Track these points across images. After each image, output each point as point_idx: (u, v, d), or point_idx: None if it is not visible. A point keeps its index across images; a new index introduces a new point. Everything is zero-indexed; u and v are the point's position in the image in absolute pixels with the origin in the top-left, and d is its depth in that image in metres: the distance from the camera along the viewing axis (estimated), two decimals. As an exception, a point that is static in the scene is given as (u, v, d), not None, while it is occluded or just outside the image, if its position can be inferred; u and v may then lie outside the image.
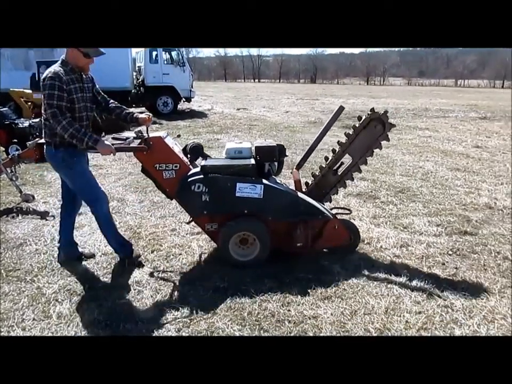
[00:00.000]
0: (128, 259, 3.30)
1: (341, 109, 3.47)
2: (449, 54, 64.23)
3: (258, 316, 2.62)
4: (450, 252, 3.53)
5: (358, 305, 2.73)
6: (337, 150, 3.46)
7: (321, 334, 2.44)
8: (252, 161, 3.19)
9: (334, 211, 3.48)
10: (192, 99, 14.53)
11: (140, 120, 3.18)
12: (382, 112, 3.38)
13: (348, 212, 3.70)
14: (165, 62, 13.73)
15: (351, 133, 3.42)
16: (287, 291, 2.88)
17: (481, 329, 2.48)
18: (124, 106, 3.32)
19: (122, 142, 3.20)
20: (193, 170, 3.17)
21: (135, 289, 2.94)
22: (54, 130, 2.91)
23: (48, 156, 3.06)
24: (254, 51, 65.25)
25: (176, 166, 3.12)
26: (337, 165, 3.49)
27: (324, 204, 3.45)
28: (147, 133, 3.15)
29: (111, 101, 3.31)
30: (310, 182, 3.58)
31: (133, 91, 13.52)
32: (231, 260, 3.18)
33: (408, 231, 3.93)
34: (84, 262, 3.35)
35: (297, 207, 3.18)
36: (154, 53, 13.62)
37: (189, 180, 3.10)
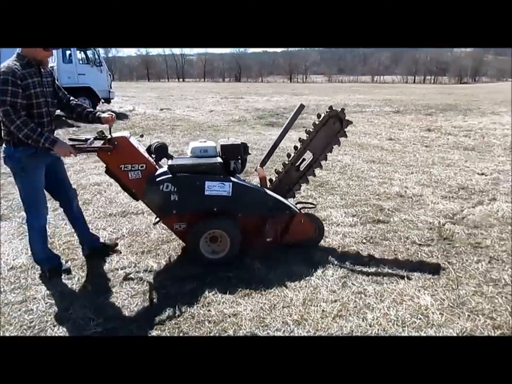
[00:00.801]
0: (51, 271, 3.12)
1: (302, 107, 3.55)
2: (366, 51, 67.77)
3: (178, 319, 2.59)
4: (364, 241, 3.71)
5: (277, 299, 2.78)
6: (298, 147, 3.55)
7: (241, 332, 2.46)
8: (219, 159, 3.21)
9: (299, 206, 3.56)
10: (111, 100, 14.00)
11: (103, 119, 3.10)
12: (340, 109, 3.50)
13: (312, 206, 3.80)
14: (80, 62, 13.07)
15: (311, 130, 3.50)
16: (208, 291, 2.87)
17: (391, 311, 2.63)
18: (86, 105, 3.22)
19: (81, 143, 3.05)
20: (161, 170, 3.15)
21: (46, 303, 2.79)
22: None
23: (5, 155, 2.87)
24: (177, 50, 64.32)
25: (142, 166, 3.08)
26: (299, 161, 3.59)
27: (288, 199, 3.51)
28: (110, 133, 3.05)
29: (72, 98, 3.18)
30: (274, 179, 3.64)
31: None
32: (201, 258, 3.18)
33: (326, 223, 4.06)
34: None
35: (266, 203, 3.25)
36: (68, 52, 12.92)
37: (157, 179, 3.07)
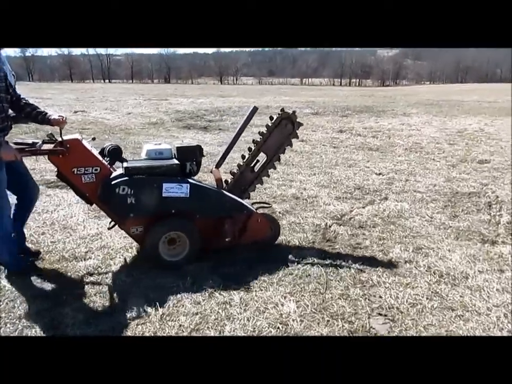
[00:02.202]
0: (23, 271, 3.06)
1: (255, 109, 3.55)
2: (295, 53, 69.33)
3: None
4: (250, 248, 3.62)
5: (133, 315, 2.60)
6: (252, 148, 3.58)
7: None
8: (175, 161, 3.18)
9: (255, 206, 3.57)
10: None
11: (53, 121, 3.02)
12: (291, 112, 3.58)
13: (267, 205, 3.86)
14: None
15: (264, 131, 3.54)
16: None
17: (250, 322, 2.54)
18: (36, 105, 3.11)
19: (27, 146, 2.91)
20: (116, 173, 3.07)
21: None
22: None
23: None
24: (102, 50, 61.81)
25: (96, 169, 3.00)
26: (254, 163, 3.62)
27: (243, 200, 3.50)
28: (60, 135, 2.94)
29: (22, 97, 3.08)
30: (229, 180, 3.63)
31: None
32: (160, 261, 3.14)
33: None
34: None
35: (223, 204, 3.28)
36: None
37: (113, 182, 2.99)
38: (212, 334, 2.43)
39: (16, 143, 2.95)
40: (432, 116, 13.66)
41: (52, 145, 2.94)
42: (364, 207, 4.75)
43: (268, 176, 3.78)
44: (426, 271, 3.20)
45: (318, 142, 9.00)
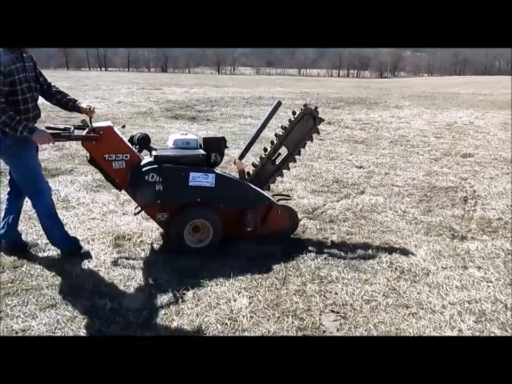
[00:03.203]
0: (73, 252, 3.18)
1: (279, 103, 3.63)
2: (293, 44, 68.34)
3: None
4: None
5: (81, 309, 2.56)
6: (274, 141, 3.65)
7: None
8: (202, 151, 3.26)
9: (275, 197, 3.64)
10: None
11: (82, 109, 3.12)
12: (313, 107, 3.67)
13: (288, 197, 3.97)
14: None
15: (287, 126, 3.63)
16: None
17: (199, 317, 2.50)
18: (66, 92, 3.21)
19: (59, 131, 2.98)
20: (145, 161, 3.15)
21: None
22: None
23: None
24: (99, 38, 60.30)
25: (126, 156, 3.08)
26: (275, 156, 3.69)
27: (264, 191, 3.54)
28: (90, 123, 3.06)
29: (53, 84, 3.17)
30: (251, 172, 3.69)
31: None
32: (185, 247, 3.21)
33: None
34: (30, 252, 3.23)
35: (247, 195, 3.35)
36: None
37: (143, 169, 3.07)
38: (159, 330, 2.39)
39: (48, 128, 2.99)
40: (424, 108, 13.56)
41: (84, 132, 3.03)
42: (338, 201, 4.70)
43: (288, 169, 3.86)
44: (388, 267, 3.16)
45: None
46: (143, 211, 3.41)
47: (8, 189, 3.22)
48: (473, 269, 3.16)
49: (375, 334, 2.39)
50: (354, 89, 24.63)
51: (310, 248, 3.47)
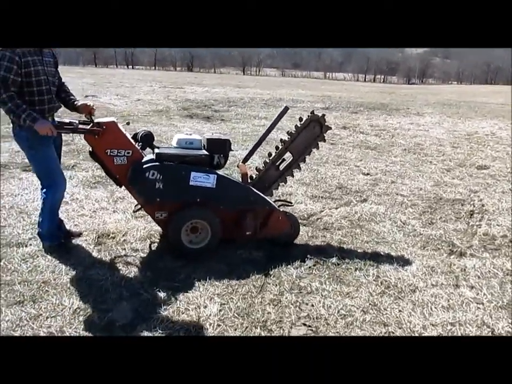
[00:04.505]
0: (51, 247, 3.18)
1: (286, 109, 3.57)
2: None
3: None
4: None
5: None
6: (280, 147, 3.59)
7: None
8: (205, 152, 3.24)
9: (277, 203, 3.59)
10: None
11: (80, 108, 3.15)
12: (321, 115, 3.62)
13: (290, 204, 3.90)
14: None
15: (293, 132, 3.56)
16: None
17: (164, 324, 2.41)
18: (70, 92, 3.28)
19: (65, 124, 3.03)
20: (147, 158, 3.14)
21: None
22: None
23: (14, 134, 2.97)
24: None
25: (128, 153, 3.06)
26: (279, 161, 3.63)
27: (266, 197, 3.48)
28: (91, 118, 3.11)
29: (64, 83, 3.25)
30: (254, 176, 3.64)
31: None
32: (182, 247, 3.16)
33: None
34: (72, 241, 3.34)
35: (247, 198, 3.30)
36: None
37: (144, 166, 3.06)
38: (119, 334, 2.31)
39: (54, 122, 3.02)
40: (445, 116, 13.19)
41: (89, 126, 3.03)
42: (336, 208, 4.55)
43: (292, 176, 3.79)
44: (373, 280, 3.01)
45: (317, 138, 8.75)
46: (143, 209, 3.38)
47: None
48: (465, 288, 2.98)
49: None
50: (378, 94, 24.25)
51: (296, 256, 3.35)
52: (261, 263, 3.18)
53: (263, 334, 2.36)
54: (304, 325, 2.47)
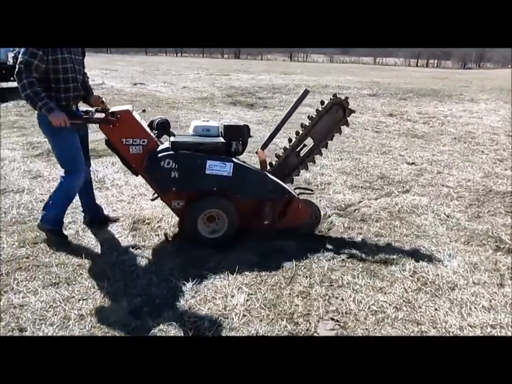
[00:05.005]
0: (51, 232, 3.16)
1: (306, 92, 3.47)
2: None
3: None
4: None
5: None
6: (300, 132, 3.48)
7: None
8: (221, 139, 3.18)
9: (297, 191, 3.49)
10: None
11: (91, 101, 3.18)
12: (344, 98, 3.46)
13: (311, 192, 3.73)
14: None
15: (314, 116, 3.44)
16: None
17: (190, 311, 2.42)
18: (88, 84, 3.28)
19: (82, 114, 3.08)
20: (163, 146, 3.12)
21: None
22: None
23: (38, 120, 2.99)
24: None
25: (144, 141, 3.06)
26: (300, 147, 3.52)
27: (286, 184, 3.40)
28: (106, 108, 3.11)
29: (86, 73, 3.26)
30: (273, 163, 3.56)
31: (8, 63, 12.39)
32: (198, 236, 3.14)
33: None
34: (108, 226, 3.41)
35: (265, 186, 3.22)
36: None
37: (159, 155, 3.03)
38: (147, 319, 2.34)
39: None
40: (502, 103, 12.42)
41: (103, 115, 3.05)
42: (376, 199, 4.39)
43: (314, 162, 3.66)
44: (410, 276, 2.88)
45: (361, 126, 8.51)
46: (159, 198, 3.37)
47: None
48: (510, 288, 2.79)
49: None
50: (429, 80, 23.22)
51: (329, 247, 3.26)
52: (292, 254, 3.11)
53: (288, 327, 2.31)
54: (332, 319, 2.40)
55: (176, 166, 3.05)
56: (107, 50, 46.53)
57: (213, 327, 2.30)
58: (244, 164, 3.27)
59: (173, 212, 3.33)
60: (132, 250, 3.10)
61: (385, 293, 2.67)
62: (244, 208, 3.21)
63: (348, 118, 3.55)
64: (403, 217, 3.92)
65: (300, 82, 17.60)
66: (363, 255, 3.15)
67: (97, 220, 3.46)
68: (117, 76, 17.89)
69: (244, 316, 2.40)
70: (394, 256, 3.13)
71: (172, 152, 3.06)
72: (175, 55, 50.35)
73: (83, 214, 3.50)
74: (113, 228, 3.43)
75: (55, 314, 2.34)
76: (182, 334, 2.23)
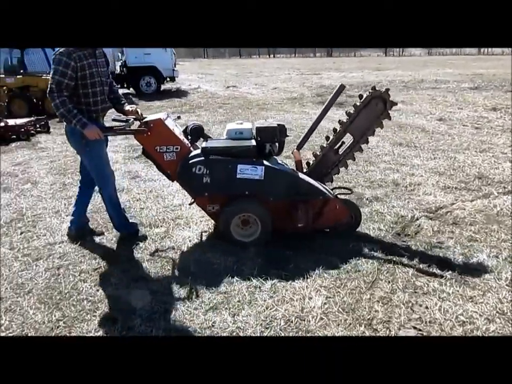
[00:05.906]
0: (131, 236, 3.41)
1: (342, 87, 3.43)
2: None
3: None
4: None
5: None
6: (338, 129, 3.43)
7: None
8: (253, 142, 3.20)
9: (335, 191, 3.47)
10: (176, 78, 14.47)
11: (126, 112, 3.26)
12: (384, 90, 3.34)
13: (349, 191, 3.68)
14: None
15: (352, 111, 3.38)
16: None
17: (267, 311, 2.46)
18: (119, 94, 3.39)
19: (122, 123, 3.21)
20: (194, 152, 3.20)
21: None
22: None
23: (67, 132, 3.13)
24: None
25: (177, 148, 3.15)
26: (338, 144, 3.47)
27: (325, 184, 3.43)
28: (141, 117, 3.20)
29: (114, 83, 3.39)
30: (311, 162, 3.57)
31: (116, 72, 13.57)
32: (232, 240, 3.21)
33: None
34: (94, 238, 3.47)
35: (298, 188, 3.20)
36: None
37: (190, 161, 3.12)
38: (226, 317, 2.43)
39: (114, 119, 3.27)
40: None
41: (139, 123, 3.17)
42: (472, 201, 4.07)
43: (354, 159, 3.52)
44: (506, 285, 2.64)
45: (459, 122, 7.93)
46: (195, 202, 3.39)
47: (80, 179, 3.48)
48: None
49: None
50: (544, 68, 20.84)
51: (415, 252, 3.10)
52: (375, 258, 3.01)
53: (367, 333, 2.25)
54: (414, 328, 2.28)
55: (208, 171, 3.09)
56: (203, 55, 48.52)
57: (289, 328, 2.31)
58: (276, 166, 3.18)
59: (208, 215, 3.39)
60: (215, 249, 3.22)
61: (476, 303, 2.47)
62: (278, 211, 3.18)
63: (389, 111, 3.33)
64: (502, 221, 3.59)
65: (394, 78, 16.88)
66: (453, 261, 2.95)
67: (82, 232, 3.49)
68: (212, 80, 18.68)
69: (321, 319, 2.38)
70: (489, 263, 2.89)
71: (202, 158, 3.10)
72: (267, 56, 51.11)
73: (69, 224, 3.48)
74: (194, 228, 3.59)
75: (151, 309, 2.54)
76: (258, 334, 2.28)
